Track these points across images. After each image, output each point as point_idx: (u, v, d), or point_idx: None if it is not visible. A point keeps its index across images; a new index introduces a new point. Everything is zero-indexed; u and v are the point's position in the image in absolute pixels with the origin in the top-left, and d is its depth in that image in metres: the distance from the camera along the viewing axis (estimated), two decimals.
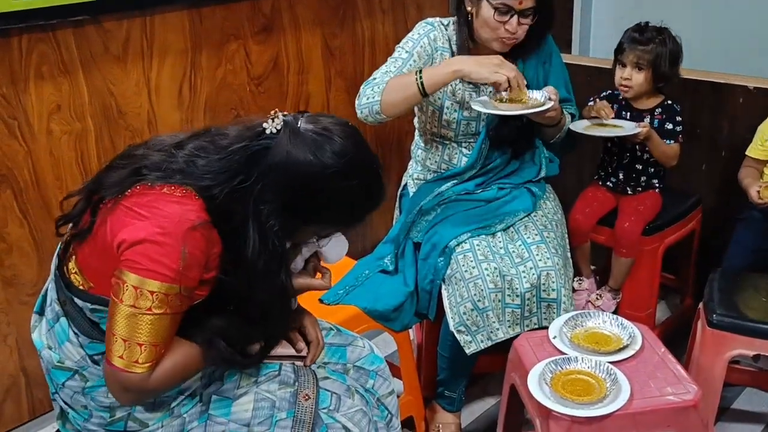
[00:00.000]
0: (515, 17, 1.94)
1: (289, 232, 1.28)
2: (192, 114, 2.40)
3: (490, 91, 2.02)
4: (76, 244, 1.27)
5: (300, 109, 2.73)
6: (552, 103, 1.92)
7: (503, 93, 1.91)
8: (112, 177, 1.26)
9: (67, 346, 1.30)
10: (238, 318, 1.30)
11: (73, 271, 1.27)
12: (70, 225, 1.32)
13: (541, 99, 1.94)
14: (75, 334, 1.28)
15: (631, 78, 2.25)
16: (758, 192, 2.07)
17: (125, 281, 1.16)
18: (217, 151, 1.26)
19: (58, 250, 1.33)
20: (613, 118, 2.28)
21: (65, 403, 1.35)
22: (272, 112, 1.28)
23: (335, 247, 1.43)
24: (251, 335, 1.33)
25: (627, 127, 2.22)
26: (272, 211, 1.23)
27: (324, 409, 1.40)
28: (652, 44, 2.21)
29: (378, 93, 1.96)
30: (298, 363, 1.45)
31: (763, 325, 1.84)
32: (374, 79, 2.01)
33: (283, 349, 1.45)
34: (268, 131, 1.25)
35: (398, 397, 2.14)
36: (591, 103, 2.36)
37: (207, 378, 1.37)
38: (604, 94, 2.39)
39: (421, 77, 1.90)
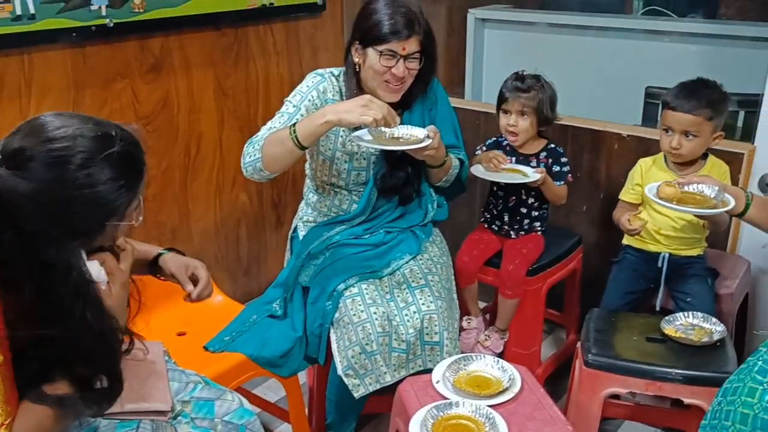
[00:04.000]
0: (401, 61, 1.98)
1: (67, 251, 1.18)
2: None
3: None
4: None
5: (191, 149, 2.70)
6: (430, 141, 1.96)
7: (384, 129, 1.93)
8: None
9: None
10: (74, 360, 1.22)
11: None
12: None
13: (421, 136, 1.98)
14: None
15: (517, 125, 2.32)
16: (629, 220, 2.18)
17: None
18: None
19: None
20: (507, 160, 2.35)
21: None
22: None
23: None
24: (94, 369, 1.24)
25: (530, 174, 2.28)
26: (38, 241, 1.13)
27: None
28: (533, 91, 2.30)
29: (258, 150, 1.95)
30: (159, 419, 1.41)
31: (634, 364, 1.93)
32: (256, 137, 2.00)
33: (144, 404, 1.41)
34: None
35: None
36: (478, 152, 2.43)
37: None
38: (490, 141, 2.46)
39: (295, 131, 1.89)
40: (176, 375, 1.57)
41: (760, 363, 1.46)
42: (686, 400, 1.89)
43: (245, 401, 1.59)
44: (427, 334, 1.97)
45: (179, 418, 1.48)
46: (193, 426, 1.47)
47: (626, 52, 3.30)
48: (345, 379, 1.96)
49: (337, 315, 1.99)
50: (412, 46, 1.98)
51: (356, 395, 1.96)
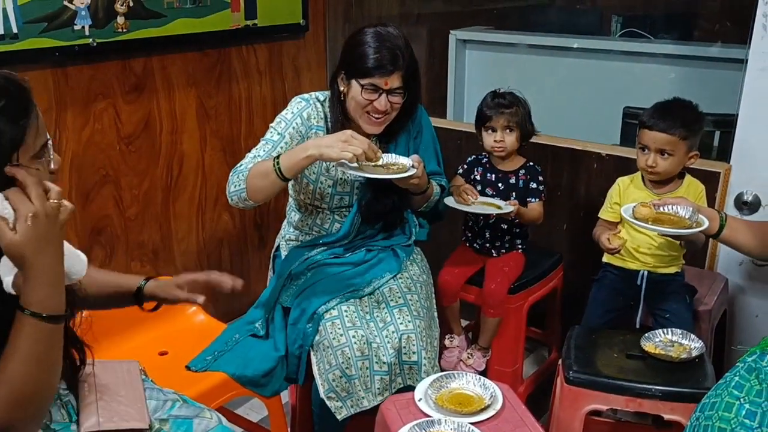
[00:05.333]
0: (384, 95, 1.98)
1: None
2: (57, 173, 2.32)
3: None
4: None
5: (174, 169, 2.70)
6: (415, 170, 1.98)
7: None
8: None
9: None
10: None
11: None
12: None
13: (407, 165, 2.00)
14: None
15: (504, 140, 2.35)
16: (608, 239, 2.21)
17: None
18: None
19: None
20: (478, 196, 2.36)
21: None
22: None
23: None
24: None
25: (503, 206, 2.31)
26: None
27: None
28: (515, 106, 2.35)
29: (243, 180, 1.95)
30: None
31: (614, 381, 1.95)
32: (241, 165, 2.00)
33: (122, 422, 1.40)
34: None
35: None
36: (460, 171, 2.45)
37: None
38: (470, 159, 2.50)
39: (278, 163, 1.88)
40: (154, 393, 1.55)
41: (737, 379, 1.48)
42: (666, 416, 1.91)
43: (224, 419, 1.57)
44: (405, 353, 1.97)
45: None
46: None
47: (605, 73, 3.36)
48: (327, 402, 1.96)
49: (317, 338, 1.99)
50: (394, 81, 1.98)
51: (339, 417, 1.96)
